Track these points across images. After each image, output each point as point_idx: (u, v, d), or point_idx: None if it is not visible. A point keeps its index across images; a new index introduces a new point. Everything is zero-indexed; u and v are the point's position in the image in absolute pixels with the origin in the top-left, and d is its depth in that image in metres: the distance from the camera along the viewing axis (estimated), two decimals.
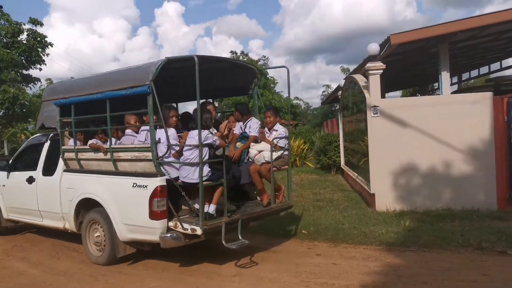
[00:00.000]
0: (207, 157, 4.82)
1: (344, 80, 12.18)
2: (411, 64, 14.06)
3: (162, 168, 4.85)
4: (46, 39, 17.49)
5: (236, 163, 5.72)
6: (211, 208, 4.88)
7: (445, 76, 9.97)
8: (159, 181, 4.69)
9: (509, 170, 7.06)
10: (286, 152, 5.78)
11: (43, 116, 6.34)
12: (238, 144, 5.78)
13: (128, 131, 5.54)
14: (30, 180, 6.46)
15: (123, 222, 5.04)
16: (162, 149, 4.89)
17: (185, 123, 5.73)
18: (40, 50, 17.48)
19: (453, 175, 7.24)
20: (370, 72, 7.50)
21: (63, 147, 5.95)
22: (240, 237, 4.89)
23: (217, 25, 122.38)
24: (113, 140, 5.46)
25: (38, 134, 7.48)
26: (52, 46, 17.85)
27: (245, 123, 5.90)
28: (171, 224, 4.73)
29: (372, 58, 7.67)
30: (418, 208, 7.21)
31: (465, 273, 4.50)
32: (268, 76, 32.63)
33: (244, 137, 5.81)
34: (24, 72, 17.51)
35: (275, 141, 5.59)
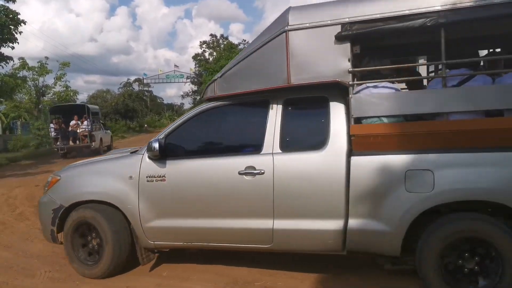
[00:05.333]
0: None
1: None
2: None
3: None
4: (19, 16, 16.86)
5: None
6: None
7: None
8: None
9: None
10: None
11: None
12: None
13: None
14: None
15: None
16: None
17: None
18: (12, 27, 16.82)
19: None
20: None
21: None
22: None
23: (198, 8, 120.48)
24: None
25: None
26: (25, 24, 17.23)
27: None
28: None
29: None
30: None
31: None
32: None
33: None
34: None
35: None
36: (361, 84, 3.75)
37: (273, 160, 3.81)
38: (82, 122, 19.47)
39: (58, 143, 19.07)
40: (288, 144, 3.88)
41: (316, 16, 3.68)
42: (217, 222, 3.98)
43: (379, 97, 3.60)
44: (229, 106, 4.20)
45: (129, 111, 47.31)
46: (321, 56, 3.66)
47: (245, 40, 43.47)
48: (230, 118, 4.37)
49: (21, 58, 24.35)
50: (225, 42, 40.39)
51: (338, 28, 3.56)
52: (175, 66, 57.59)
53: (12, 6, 16.82)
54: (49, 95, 28.56)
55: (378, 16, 3.48)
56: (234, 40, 61.92)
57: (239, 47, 35.13)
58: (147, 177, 4.15)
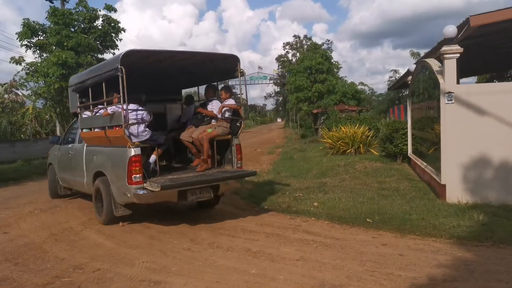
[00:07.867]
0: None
1: (414, 65, 11.60)
2: (488, 48, 13.08)
3: None
4: (119, 24, 18.26)
5: None
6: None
7: None
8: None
9: None
10: None
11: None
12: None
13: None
14: None
15: None
16: None
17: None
18: (113, 35, 18.27)
19: None
20: (445, 56, 7.06)
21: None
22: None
23: (281, 9, 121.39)
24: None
25: None
26: (124, 32, 18.60)
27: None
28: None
29: (448, 41, 7.21)
30: (493, 202, 6.77)
31: None
32: (332, 60, 31.78)
33: None
34: (99, 56, 18.38)
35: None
36: (82, 112, 7.79)
37: (74, 147, 8.42)
38: None
39: None
40: (79, 140, 8.14)
41: (74, 80, 8.11)
42: (70, 176, 8.64)
43: (83, 118, 7.79)
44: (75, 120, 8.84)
45: None
46: (74, 99, 8.00)
47: (328, 40, 42.80)
48: (74, 125, 8.91)
49: None
50: (308, 43, 40.01)
51: (73, 87, 7.94)
52: (259, 67, 58.15)
53: (113, 15, 18.28)
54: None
55: (80, 80, 7.66)
56: (317, 40, 61.26)
57: (323, 47, 34.36)
58: (56, 152, 9.39)
